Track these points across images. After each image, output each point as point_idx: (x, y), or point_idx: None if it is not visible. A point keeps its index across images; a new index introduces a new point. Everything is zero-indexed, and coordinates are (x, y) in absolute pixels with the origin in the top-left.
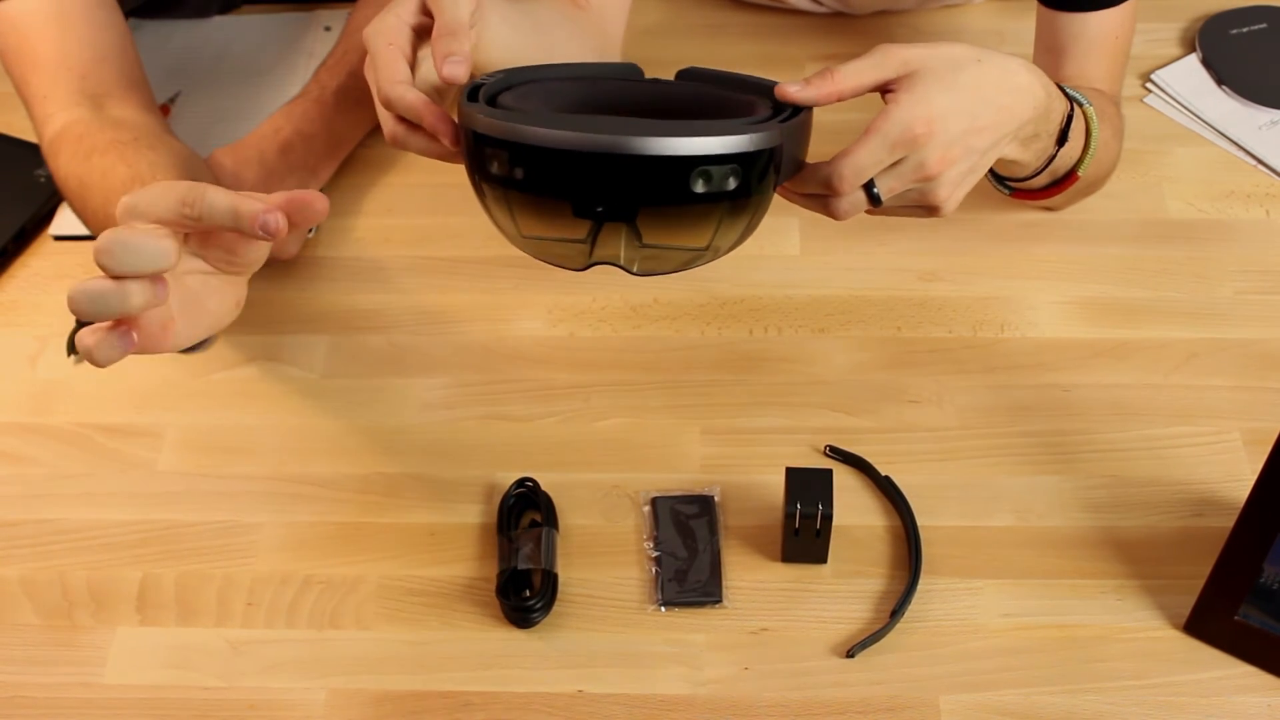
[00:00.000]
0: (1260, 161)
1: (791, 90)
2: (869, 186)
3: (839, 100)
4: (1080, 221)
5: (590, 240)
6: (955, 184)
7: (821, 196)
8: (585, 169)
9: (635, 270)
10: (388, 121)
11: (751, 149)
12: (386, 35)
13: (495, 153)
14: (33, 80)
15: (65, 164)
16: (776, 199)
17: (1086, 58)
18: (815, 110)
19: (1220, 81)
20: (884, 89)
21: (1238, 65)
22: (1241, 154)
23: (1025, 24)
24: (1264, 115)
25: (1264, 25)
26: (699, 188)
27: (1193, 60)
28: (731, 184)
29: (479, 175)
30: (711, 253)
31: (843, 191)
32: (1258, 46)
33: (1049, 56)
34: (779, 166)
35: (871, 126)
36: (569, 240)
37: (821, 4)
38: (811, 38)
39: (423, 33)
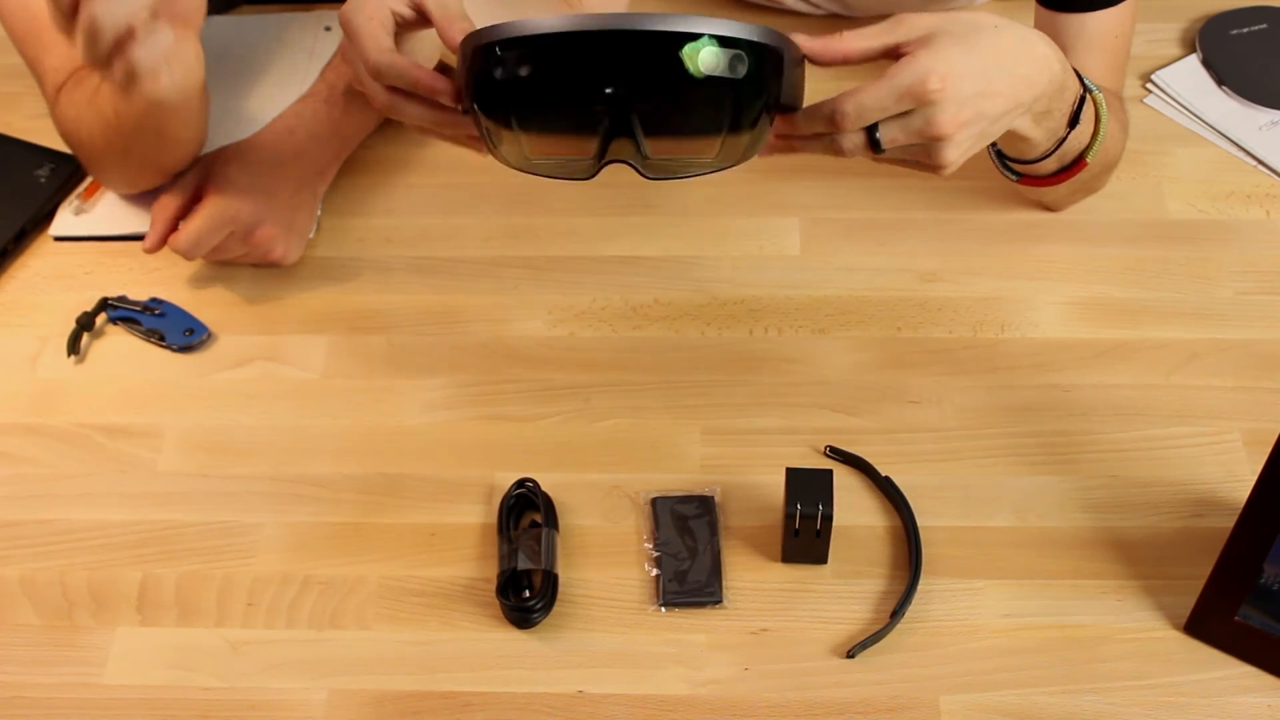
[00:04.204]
0: (1260, 162)
1: (799, 38)
2: (871, 130)
3: (845, 63)
4: (1080, 221)
5: (601, 145)
6: (962, 146)
7: (824, 136)
8: (598, 48)
9: (647, 170)
10: (380, 93)
11: (756, 38)
12: (367, 11)
13: (509, 56)
14: (45, 59)
15: (64, 103)
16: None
17: (1087, 58)
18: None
19: (1220, 82)
20: (897, 53)
21: (1238, 66)
22: (1241, 154)
23: (1025, 25)
24: (1264, 115)
25: (1264, 25)
26: (708, 64)
27: (1193, 61)
28: (739, 70)
29: (489, 95)
30: (718, 163)
31: (844, 128)
32: (1258, 47)
33: None
34: (781, 77)
35: (885, 73)
36: (578, 153)
37: (818, 6)
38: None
39: (402, 23)
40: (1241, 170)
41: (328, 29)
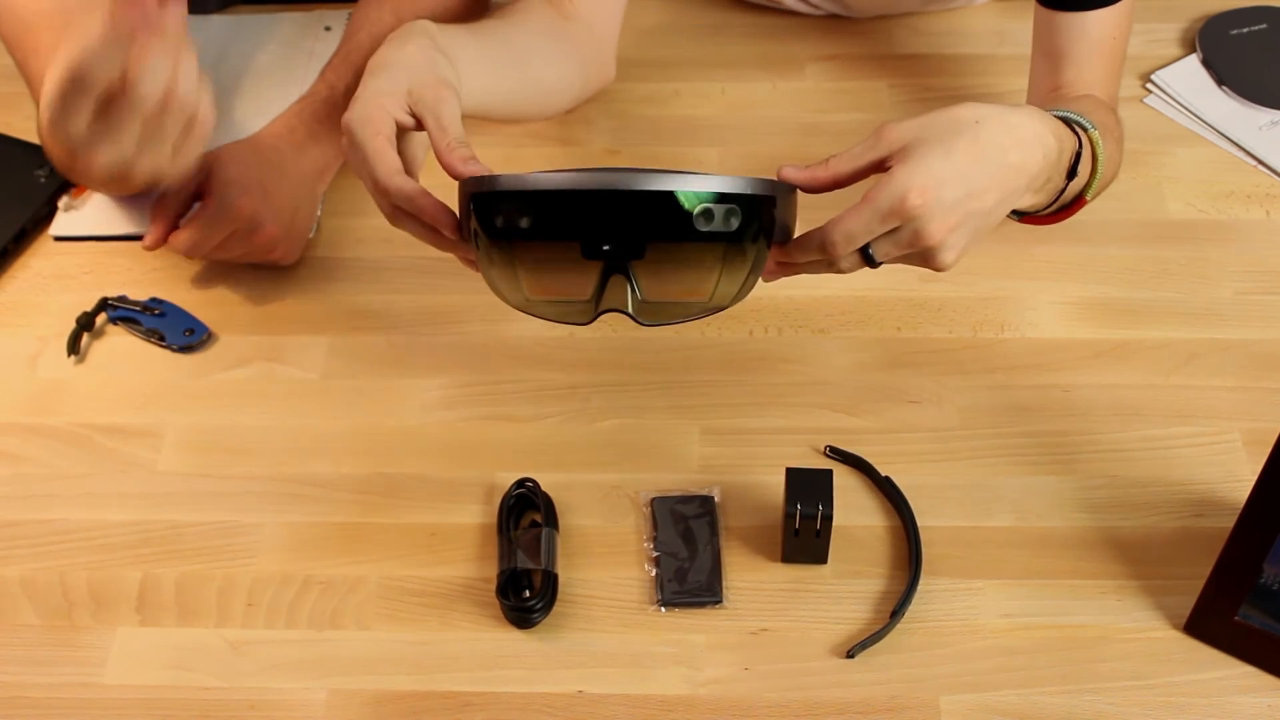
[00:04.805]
0: (1260, 162)
1: (788, 170)
2: (865, 250)
3: (837, 186)
4: (1080, 221)
5: (597, 291)
6: (957, 247)
7: (821, 261)
8: (594, 206)
9: (641, 317)
10: (384, 205)
11: (750, 192)
12: (374, 125)
13: (507, 208)
14: (32, 63)
15: None
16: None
17: (1085, 60)
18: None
19: (1220, 82)
20: (882, 166)
21: (1238, 66)
22: (1241, 154)
23: (1025, 24)
24: (1264, 115)
25: (1264, 25)
26: (701, 224)
27: (1193, 61)
28: (732, 223)
29: (488, 238)
30: (714, 305)
31: (836, 256)
32: (1258, 47)
33: (1047, 60)
34: (774, 221)
35: (865, 196)
36: (575, 296)
37: (818, 7)
38: (813, 38)
39: (403, 129)
40: (1241, 170)
41: (328, 29)
